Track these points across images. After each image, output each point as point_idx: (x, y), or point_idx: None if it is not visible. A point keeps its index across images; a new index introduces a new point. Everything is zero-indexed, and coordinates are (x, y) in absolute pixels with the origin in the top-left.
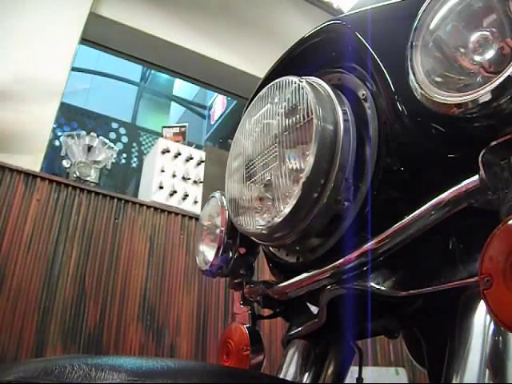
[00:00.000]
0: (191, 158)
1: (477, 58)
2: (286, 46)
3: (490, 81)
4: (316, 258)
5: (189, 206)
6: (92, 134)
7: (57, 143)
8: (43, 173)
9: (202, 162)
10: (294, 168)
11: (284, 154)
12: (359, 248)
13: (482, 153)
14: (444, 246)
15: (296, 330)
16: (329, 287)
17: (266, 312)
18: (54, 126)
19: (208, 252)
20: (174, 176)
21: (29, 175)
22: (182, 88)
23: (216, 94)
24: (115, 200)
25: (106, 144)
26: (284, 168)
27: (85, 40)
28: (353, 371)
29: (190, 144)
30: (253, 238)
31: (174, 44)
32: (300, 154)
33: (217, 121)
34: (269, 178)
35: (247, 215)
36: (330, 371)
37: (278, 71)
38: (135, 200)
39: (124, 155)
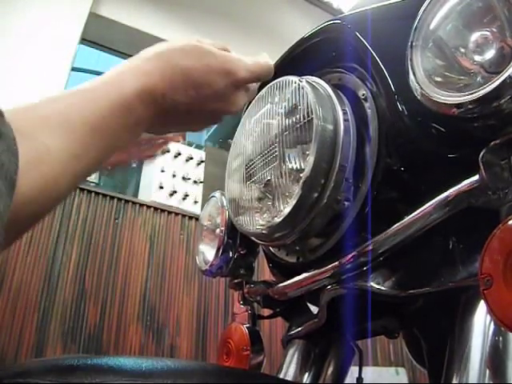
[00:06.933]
0: (191, 158)
1: (477, 57)
2: (286, 46)
3: (490, 81)
4: (316, 258)
5: (189, 206)
6: None
7: None
8: None
9: (202, 161)
10: (294, 168)
11: (284, 153)
12: (359, 248)
13: (481, 153)
14: (444, 246)
15: (296, 330)
16: (329, 287)
17: (266, 312)
18: None
19: (208, 252)
20: (174, 176)
21: None
22: None
23: None
24: (115, 200)
25: None
26: (284, 168)
27: (85, 40)
28: (353, 371)
29: (190, 144)
30: (253, 238)
31: None
32: (300, 153)
33: None
34: (269, 177)
35: (247, 215)
36: (330, 371)
37: (277, 71)
38: (135, 200)
39: None
